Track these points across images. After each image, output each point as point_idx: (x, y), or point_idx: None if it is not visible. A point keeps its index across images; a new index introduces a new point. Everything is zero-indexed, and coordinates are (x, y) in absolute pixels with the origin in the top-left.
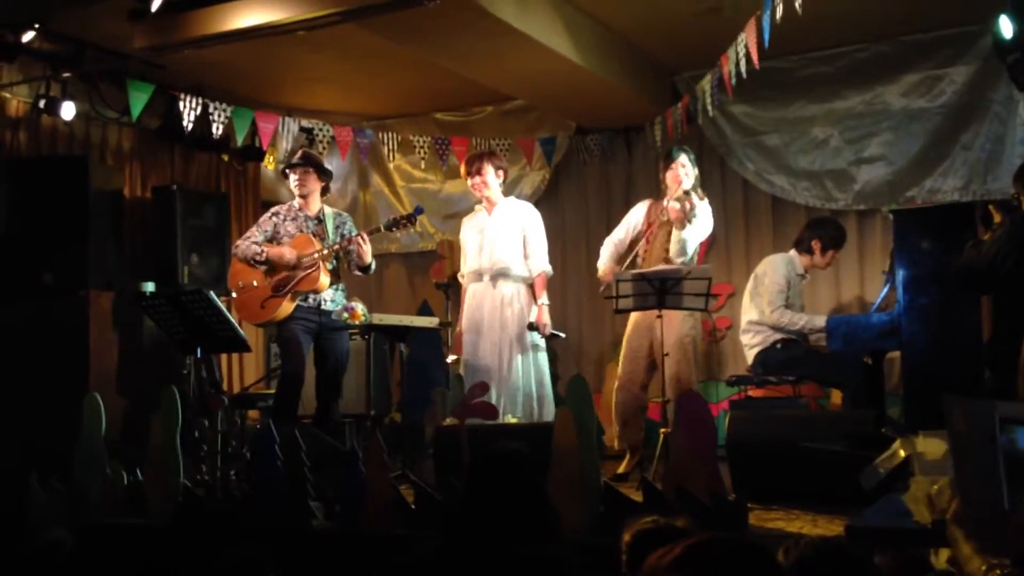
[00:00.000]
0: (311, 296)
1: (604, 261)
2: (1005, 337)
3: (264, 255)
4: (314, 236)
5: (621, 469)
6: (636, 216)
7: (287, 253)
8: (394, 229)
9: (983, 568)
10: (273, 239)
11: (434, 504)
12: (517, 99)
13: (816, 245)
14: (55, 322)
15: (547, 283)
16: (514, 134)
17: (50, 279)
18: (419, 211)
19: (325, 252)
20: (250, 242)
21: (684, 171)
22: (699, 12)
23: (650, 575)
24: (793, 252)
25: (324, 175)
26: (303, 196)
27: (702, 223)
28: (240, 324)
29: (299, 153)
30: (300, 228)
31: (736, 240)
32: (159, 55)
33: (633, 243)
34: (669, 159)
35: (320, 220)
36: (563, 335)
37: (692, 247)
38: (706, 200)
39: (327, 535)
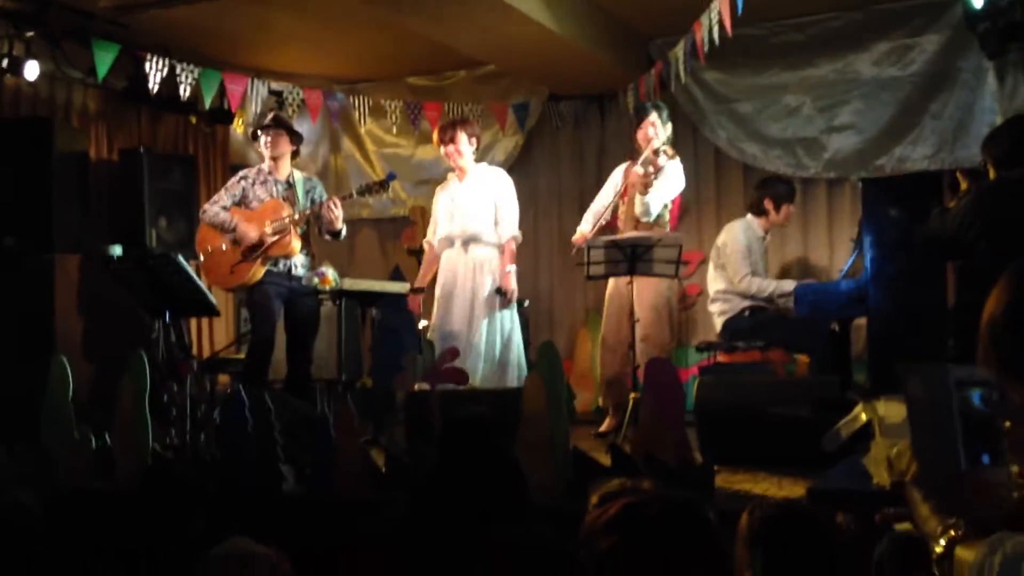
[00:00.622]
0: (281, 261)
1: (581, 228)
2: (969, 306)
3: (233, 222)
4: (284, 200)
5: (603, 428)
6: (616, 179)
7: (257, 216)
8: (366, 195)
9: (939, 528)
10: (242, 203)
11: (404, 469)
12: (490, 64)
13: (769, 204)
14: (20, 286)
15: (517, 250)
16: (487, 99)
17: (13, 243)
18: (391, 177)
19: (296, 217)
20: (219, 207)
21: (654, 129)
22: None
23: (588, 535)
24: (750, 217)
25: (295, 138)
26: (273, 159)
27: (670, 182)
28: (209, 288)
29: (269, 115)
30: (270, 192)
31: (707, 207)
32: (125, 14)
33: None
34: (640, 115)
35: (290, 184)
36: (527, 303)
37: (657, 208)
38: (677, 159)
39: (297, 499)
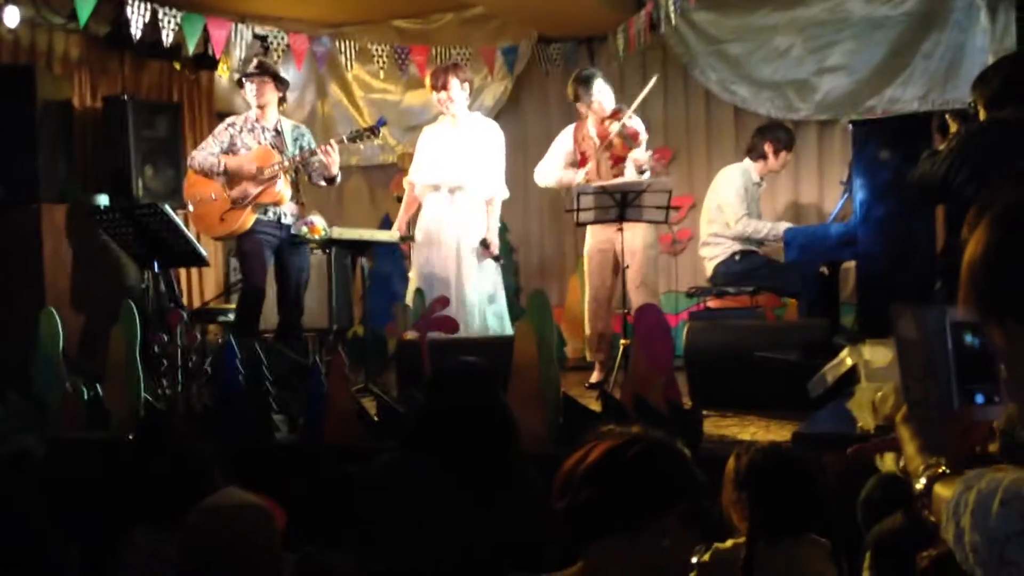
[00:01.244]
0: (271, 209)
1: (551, 176)
2: (957, 249)
3: (223, 166)
4: (272, 148)
5: (594, 378)
6: (565, 143)
7: (246, 163)
8: (357, 141)
9: (921, 467)
10: (229, 151)
11: (396, 416)
12: (477, 6)
13: (769, 148)
14: (7, 236)
15: (500, 205)
16: (475, 43)
17: (3, 192)
18: (382, 123)
19: (286, 164)
20: (206, 153)
21: (604, 96)
22: None
23: (565, 483)
24: (747, 161)
25: (281, 84)
26: (260, 107)
27: (644, 141)
28: (198, 237)
29: (254, 62)
30: (258, 140)
31: (697, 151)
32: None
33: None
34: (588, 84)
35: (278, 132)
36: (501, 260)
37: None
38: (633, 115)
39: (289, 448)
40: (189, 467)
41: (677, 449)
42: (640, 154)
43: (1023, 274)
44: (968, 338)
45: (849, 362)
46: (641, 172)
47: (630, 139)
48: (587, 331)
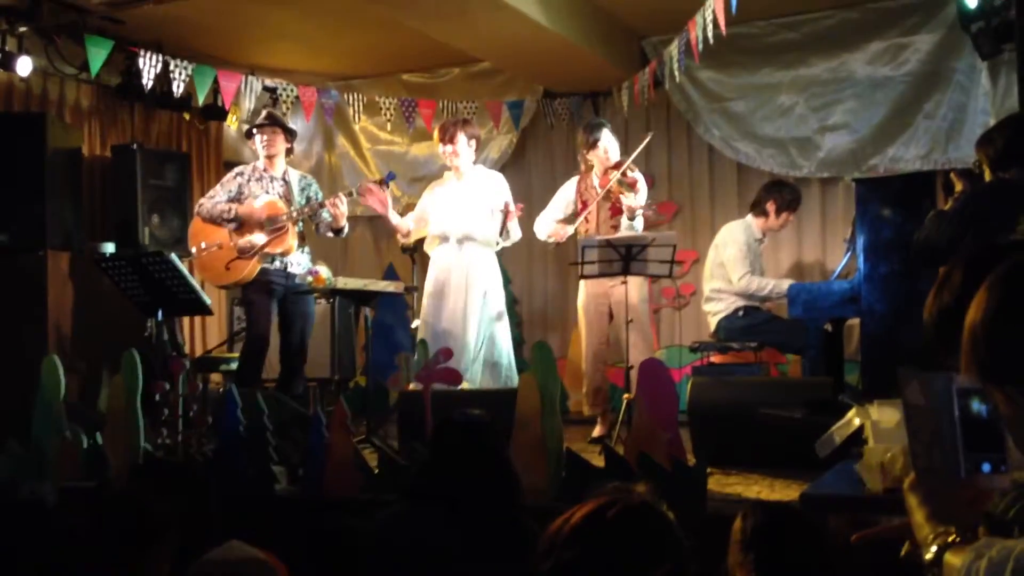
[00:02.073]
0: (278, 259)
1: (545, 228)
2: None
3: (233, 212)
4: (280, 198)
5: (596, 433)
6: (567, 195)
7: (256, 210)
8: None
9: (931, 536)
10: (237, 199)
11: (398, 469)
12: (484, 61)
13: (771, 207)
14: (12, 282)
15: (512, 248)
16: (481, 97)
17: (5, 239)
18: (391, 177)
19: (294, 214)
20: (215, 201)
21: (611, 145)
22: None
23: (550, 543)
24: (750, 217)
25: (290, 135)
26: (269, 157)
27: (644, 191)
28: (202, 285)
29: (263, 113)
30: (266, 189)
31: (701, 206)
32: (119, 9)
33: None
34: (595, 134)
35: (286, 182)
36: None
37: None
38: (636, 170)
39: (290, 500)
40: (143, 525)
41: (660, 511)
42: (633, 200)
43: (1021, 339)
44: (975, 405)
45: (857, 422)
46: (632, 218)
47: (628, 187)
48: (585, 386)
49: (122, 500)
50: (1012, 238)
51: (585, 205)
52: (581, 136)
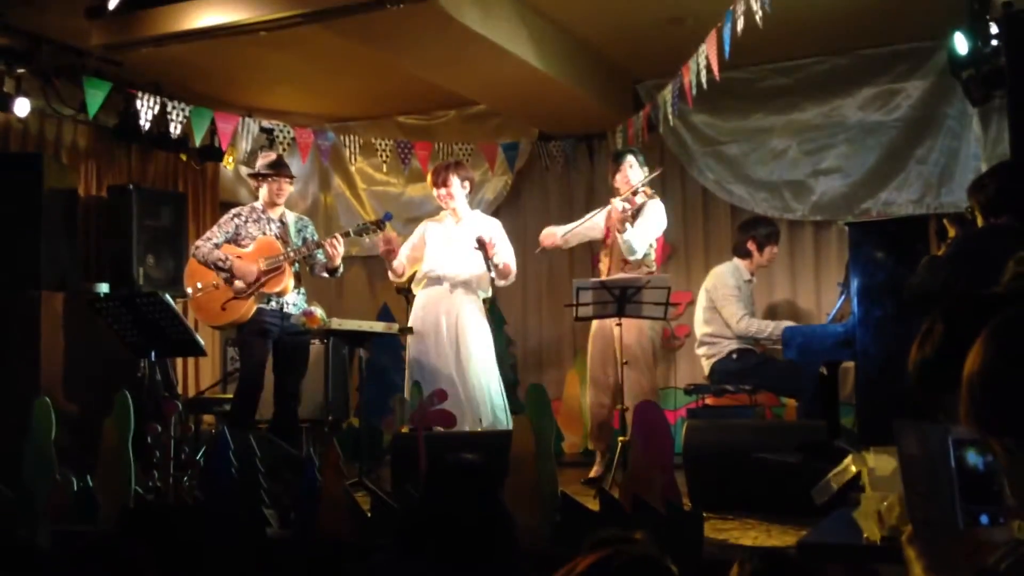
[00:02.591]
0: (274, 299)
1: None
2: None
3: (228, 263)
4: (277, 239)
5: (592, 473)
6: (597, 221)
7: (249, 264)
8: (363, 234)
9: None
10: (234, 240)
11: (390, 512)
12: (480, 104)
13: (752, 245)
14: (6, 322)
15: (506, 288)
16: (477, 139)
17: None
18: (388, 217)
19: (291, 254)
20: (212, 244)
21: (632, 171)
22: (661, 22)
23: None
24: (736, 260)
25: (292, 179)
26: (276, 203)
27: (652, 220)
28: (196, 326)
29: (273, 159)
30: (263, 230)
31: (695, 248)
32: (117, 52)
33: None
34: (618, 161)
35: (283, 223)
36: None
37: (640, 245)
38: (657, 199)
39: (281, 543)
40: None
41: (665, 566)
42: (618, 202)
43: (1019, 391)
44: (972, 457)
45: (854, 469)
46: (621, 231)
47: (627, 200)
48: (587, 418)
49: (106, 547)
50: (993, 290)
51: (609, 233)
52: (610, 164)
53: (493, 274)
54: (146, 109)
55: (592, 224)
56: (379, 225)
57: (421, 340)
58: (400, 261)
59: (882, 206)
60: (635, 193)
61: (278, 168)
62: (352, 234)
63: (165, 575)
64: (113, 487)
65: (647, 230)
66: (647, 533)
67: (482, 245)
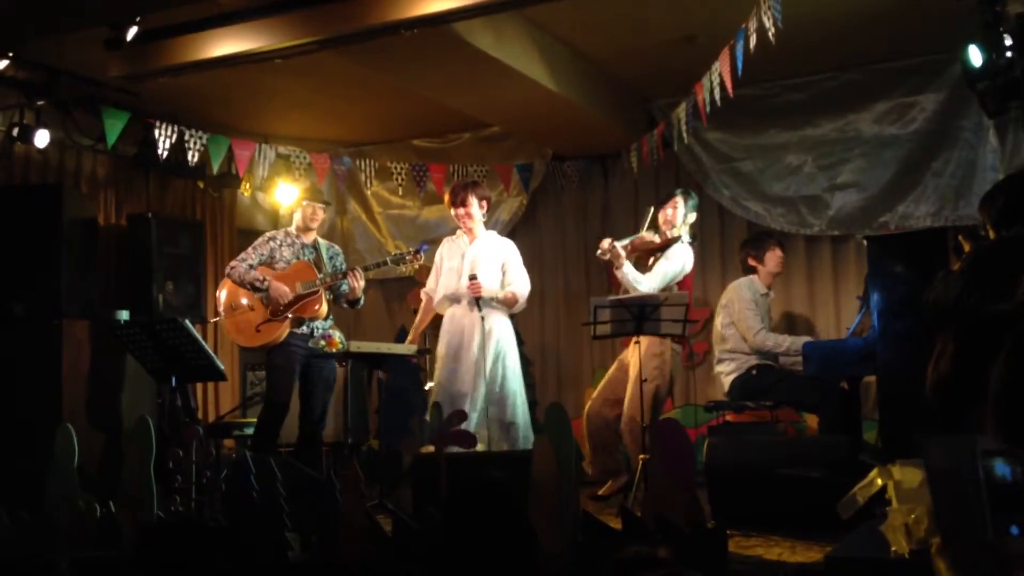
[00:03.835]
0: (307, 323)
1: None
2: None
3: (266, 284)
4: (311, 264)
5: (601, 492)
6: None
7: (285, 291)
8: (400, 264)
9: None
10: (268, 264)
11: (412, 534)
12: (494, 126)
13: (752, 260)
14: (28, 352)
15: (514, 304)
16: (491, 161)
17: (21, 309)
18: (424, 248)
19: (327, 279)
20: (247, 265)
21: (673, 211)
22: (673, 40)
23: None
24: (751, 275)
25: (328, 206)
26: (309, 229)
27: (668, 264)
28: (216, 350)
29: (309, 185)
30: (297, 255)
31: (712, 264)
32: (135, 82)
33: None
34: (667, 196)
35: (315, 249)
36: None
37: (643, 287)
38: (686, 244)
39: (303, 568)
40: None
41: None
42: (606, 242)
43: None
44: (999, 468)
45: (879, 483)
46: (619, 268)
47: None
48: (588, 438)
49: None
50: (999, 308)
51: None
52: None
53: (493, 305)
54: (164, 138)
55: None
56: (415, 255)
57: (447, 362)
58: (429, 291)
59: (900, 220)
60: (656, 229)
61: (315, 196)
62: (390, 263)
63: None
64: (135, 513)
65: (661, 272)
66: (670, 550)
67: (472, 280)
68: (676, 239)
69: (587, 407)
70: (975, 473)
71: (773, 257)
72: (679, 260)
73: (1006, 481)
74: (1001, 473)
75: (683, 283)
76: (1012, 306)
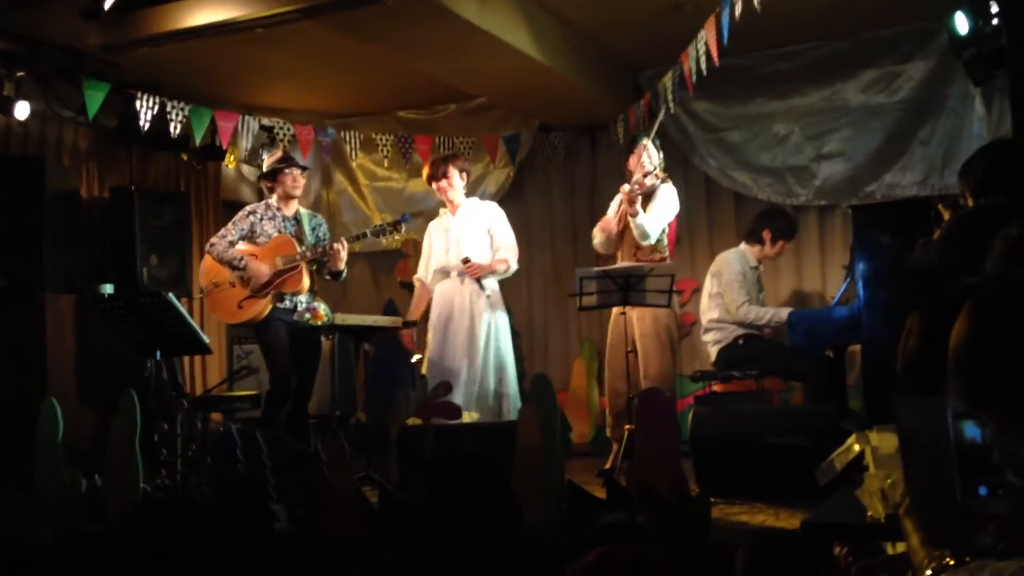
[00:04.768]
0: (288, 297)
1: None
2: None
3: (243, 264)
4: (293, 237)
5: (608, 464)
6: (614, 205)
7: (264, 270)
8: (380, 236)
9: (926, 560)
10: (249, 238)
11: (398, 505)
12: (480, 97)
13: (767, 235)
14: (11, 326)
15: (510, 279)
16: (477, 132)
17: (4, 283)
18: (405, 219)
19: (307, 254)
20: (227, 242)
21: (647, 154)
22: (660, 10)
23: None
24: (744, 245)
25: (306, 170)
26: (293, 197)
27: (665, 204)
28: (202, 325)
29: (279, 155)
30: (279, 228)
31: (699, 236)
32: (115, 53)
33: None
34: (632, 144)
35: (297, 221)
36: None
37: (654, 229)
38: (669, 183)
39: (290, 539)
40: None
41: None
42: (627, 187)
43: (1004, 363)
44: (970, 430)
45: (857, 448)
46: (632, 204)
47: (636, 183)
48: (595, 405)
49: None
50: (964, 283)
51: (621, 220)
52: (624, 150)
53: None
54: (145, 109)
55: (613, 211)
56: (396, 226)
57: (437, 334)
58: (421, 275)
59: (886, 189)
60: (646, 175)
61: (289, 160)
62: (370, 235)
63: (173, 572)
64: (121, 486)
65: (661, 214)
66: (650, 519)
67: (466, 264)
68: (665, 180)
69: (607, 375)
70: (946, 434)
71: (781, 247)
72: (670, 198)
73: (976, 443)
74: (971, 435)
75: (671, 225)
76: (980, 279)
